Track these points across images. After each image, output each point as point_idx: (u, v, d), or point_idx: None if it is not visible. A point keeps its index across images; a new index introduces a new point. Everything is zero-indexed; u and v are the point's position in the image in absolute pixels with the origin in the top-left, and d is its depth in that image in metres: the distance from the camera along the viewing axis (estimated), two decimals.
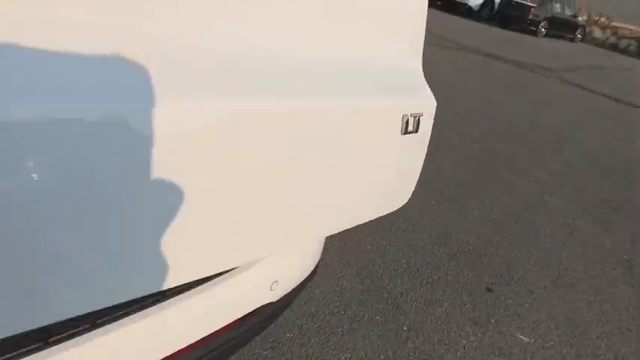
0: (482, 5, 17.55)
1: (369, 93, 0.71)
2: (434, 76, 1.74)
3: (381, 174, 0.81)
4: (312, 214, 0.71)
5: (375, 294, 1.94)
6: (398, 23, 0.78)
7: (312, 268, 1.00)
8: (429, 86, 0.89)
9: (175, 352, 0.70)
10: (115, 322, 0.60)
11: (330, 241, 2.22)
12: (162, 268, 0.54)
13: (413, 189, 0.93)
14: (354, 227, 0.83)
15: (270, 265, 0.80)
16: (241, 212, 0.58)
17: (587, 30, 19.23)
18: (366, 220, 0.86)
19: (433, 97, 0.85)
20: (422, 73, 0.87)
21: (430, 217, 2.67)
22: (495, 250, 2.47)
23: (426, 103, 0.82)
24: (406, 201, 0.93)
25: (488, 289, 2.14)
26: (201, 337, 0.72)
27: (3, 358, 0.53)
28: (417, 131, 0.79)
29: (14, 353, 0.53)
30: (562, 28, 17.45)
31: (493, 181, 3.40)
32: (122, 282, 0.52)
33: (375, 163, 0.77)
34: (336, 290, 1.91)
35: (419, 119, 0.78)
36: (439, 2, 18.77)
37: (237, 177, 0.55)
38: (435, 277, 2.13)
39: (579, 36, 18.27)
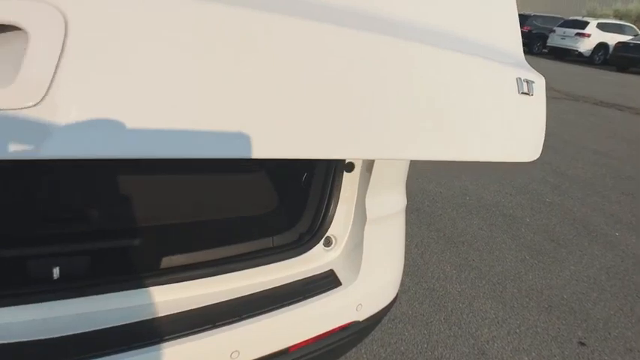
0: (594, 50, 16.61)
1: (491, 57, 1.00)
2: None
3: (506, 123, 1.03)
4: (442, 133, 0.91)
5: (461, 339, 2.11)
6: (496, 13, 1.10)
7: (392, 296, 1.30)
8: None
9: (280, 350, 1.04)
10: (240, 322, 0.97)
11: (420, 289, 2.45)
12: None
13: (540, 147, 1.10)
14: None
15: (355, 289, 1.13)
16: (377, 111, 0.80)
17: None
18: (495, 160, 1.05)
19: (540, 74, 1.11)
20: (524, 59, 1.14)
21: (522, 272, 2.75)
22: (592, 306, 2.46)
23: (535, 76, 1.07)
24: (536, 157, 1.11)
25: (581, 343, 2.16)
26: (303, 339, 1.06)
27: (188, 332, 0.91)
28: (531, 94, 1.02)
29: (191, 330, 0.92)
30: None
31: (594, 236, 3.32)
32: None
33: (502, 113, 1.01)
34: (424, 333, 2.13)
35: (532, 85, 1.03)
36: (545, 50, 18.23)
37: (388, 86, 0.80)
38: (524, 328, 2.23)
39: None
